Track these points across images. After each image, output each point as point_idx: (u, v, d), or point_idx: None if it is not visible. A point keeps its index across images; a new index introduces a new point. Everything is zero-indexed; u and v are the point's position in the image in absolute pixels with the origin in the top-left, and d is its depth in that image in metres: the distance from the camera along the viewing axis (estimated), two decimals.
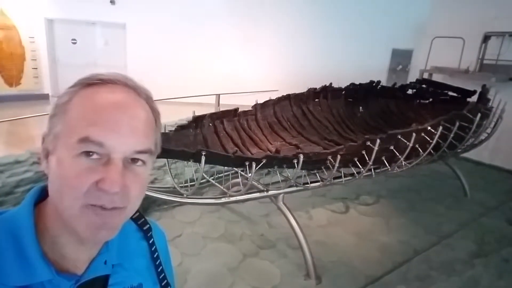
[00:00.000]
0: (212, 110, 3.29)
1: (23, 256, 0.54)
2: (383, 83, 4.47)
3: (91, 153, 0.51)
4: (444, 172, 4.67)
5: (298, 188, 2.72)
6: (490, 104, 3.76)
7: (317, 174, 2.78)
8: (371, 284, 2.64)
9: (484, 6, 5.62)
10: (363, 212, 3.81)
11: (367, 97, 4.32)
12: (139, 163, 0.56)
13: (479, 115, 3.24)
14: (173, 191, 2.56)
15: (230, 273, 2.65)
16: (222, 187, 2.56)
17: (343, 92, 4.16)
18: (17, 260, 0.54)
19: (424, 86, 4.57)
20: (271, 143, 3.20)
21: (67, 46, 8.66)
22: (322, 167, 2.67)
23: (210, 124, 3.02)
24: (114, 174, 0.51)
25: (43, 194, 0.61)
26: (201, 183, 2.55)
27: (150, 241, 0.73)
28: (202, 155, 2.10)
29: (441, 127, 2.94)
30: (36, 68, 8.27)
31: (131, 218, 0.71)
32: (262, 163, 2.28)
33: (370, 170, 2.87)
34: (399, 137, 2.77)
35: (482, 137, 3.95)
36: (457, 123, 3.06)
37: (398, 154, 2.79)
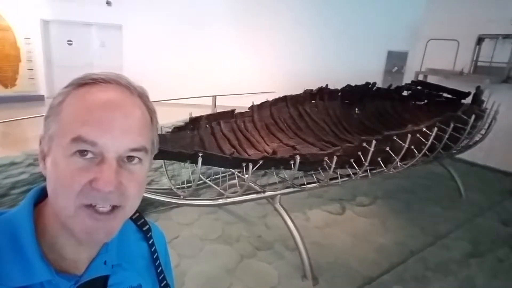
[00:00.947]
0: (209, 112, 3.29)
1: (23, 256, 0.54)
2: (379, 84, 4.50)
3: (85, 153, 0.51)
4: (439, 173, 4.71)
5: (295, 189, 2.73)
6: (484, 105, 3.81)
7: (313, 175, 2.79)
8: (367, 285, 2.65)
9: (478, 9, 5.68)
10: (360, 213, 3.83)
11: (363, 99, 4.35)
12: (135, 161, 0.55)
13: (473, 116, 3.27)
14: (170, 193, 2.56)
15: (228, 275, 2.65)
16: (219, 189, 2.56)
17: (340, 94, 4.18)
18: (17, 261, 0.54)
19: (419, 87, 4.61)
20: (268, 145, 3.21)
21: (63, 47, 8.61)
22: (319, 168, 2.68)
23: (207, 126, 3.02)
24: (108, 173, 0.51)
25: (42, 195, 0.61)
26: (198, 185, 2.56)
27: (150, 242, 0.73)
28: (199, 156, 2.11)
29: (436, 128, 2.97)
30: (32, 70, 8.21)
31: (131, 218, 0.71)
32: (259, 164, 2.29)
33: (366, 171, 2.89)
34: (395, 138, 2.80)
35: (477, 138, 3.99)
36: (452, 124, 3.09)
37: (393, 155, 2.81)
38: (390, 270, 2.85)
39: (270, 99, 3.68)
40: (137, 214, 0.72)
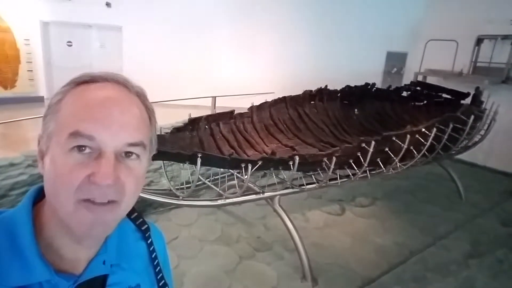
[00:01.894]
0: (208, 113, 3.29)
1: (22, 256, 0.54)
2: (378, 85, 4.50)
3: (83, 148, 0.52)
4: (438, 174, 4.71)
5: (294, 190, 2.73)
6: (483, 106, 3.81)
7: (313, 176, 2.79)
8: (367, 286, 2.65)
9: (477, 10, 5.70)
10: (359, 214, 3.83)
11: (362, 100, 4.35)
12: (133, 156, 0.55)
13: (472, 117, 3.28)
14: (169, 194, 2.55)
15: (227, 276, 2.65)
16: (218, 189, 2.56)
17: (339, 95, 4.19)
18: (16, 260, 0.54)
19: (418, 88, 4.61)
20: (267, 145, 3.21)
21: (62, 48, 8.61)
22: (318, 169, 2.68)
23: (206, 127, 3.02)
24: (106, 167, 0.51)
25: (41, 195, 0.60)
26: (197, 185, 2.56)
27: (149, 242, 0.73)
28: (198, 157, 2.11)
29: (435, 129, 2.97)
30: (31, 71, 8.21)
31: (130, 218, 0.71)
32: (258, 165, 2.29)
33: (365, 172, 2.89)
34: (394, 139, 2.80)
35: (476, 139, 3.99)
36: (451, 125, 3.09)
37: (393, 156, 2.81)
38: (390, 270, 2.85)
39: (269, 100, 3.68)
40: (136, 214, 0.72)
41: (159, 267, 0.73)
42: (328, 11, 8.65)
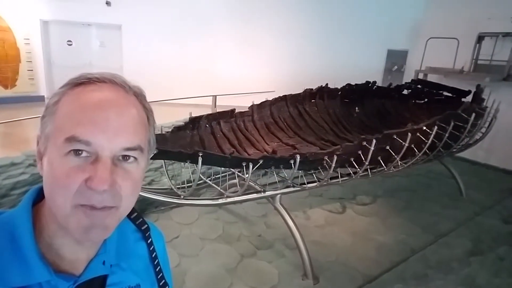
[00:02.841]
0: (209, 111, 3.29)
1: (21, 256, 0.54)
2: (379, 83, 4.49)
3: (79, 152, 0.51)
4: (439, 172, 4.70)
5: (295, 188, 2.73)
6: (484, 104, 3.80)
7: (314, 174, 2.79)
8: (368, 284, 2.65)
9: (478, 7, 5.68)
10: (360, 212, 3.83)
11: (363, 98, 4.35)
12: (130, 160, 0.55)
13: (473, 114, 3.27)
14: (170, 193, 2.56)
15: (228, 274, 2.65)
16: (219, 188, 2.56)
17: (339, 93, 4.18)
18: (15, 261, 0.54)
19: (419, 86, 4.60)
20: (268, 144, 3.21)
21: (62, 47, 8.62)
22: (319, 168, 2.68)
23: (207, 125, 3.02)
24: (102, 172, 0.51)
25: (40, 195, 0.60)
26: (198, 184, 2.56)
27: (148, 242, 0.73)
28: (199, 156, 2.11)
29: (436, 127, 2.97)
30: (32, 70, 8.22)
31: (129, 218, 0.71)
32: (259, 163, 2.29)
33: (366, 170, 2.89)
34: (395, 137, 2.79)
35: (477, 136, 3.98)
36: (452, 123, 3.08)
37: (394, 154, 2.81)
38: (391, 268, 2.85)
39: (270, 98, 3.68)
40: (135, 214, 0.72)
41: (159, 267, 0.73)
42: (329, 9, 8.63)
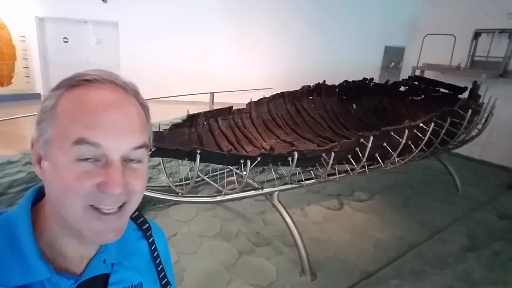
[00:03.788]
0: (207, 109, 3.29)
1: (21, 255, 0.54)
2: (376, 80, 4.51)
3: (89, 156, 0.51)
4: (436, 168, 4.73)
5: (293, 185, 2.74)
6: (481, 100, 3.82)
7: (311, 171, 2.80)
8: (366, 279, 2.67)
9: (475, 3, 5.69)
10: (358, 208, 3.85)
11: (360, 94, 4.36)
12: (137, 158, 0.56)
13: (470, 111, 3.28)
14: (168, 190, 2.56)
15: (227, 271, 2.66)
16: (217, 186, 2.57)
17: (337, 90, 4.19)
18: (16, 260, 0.54)
19: (416, 83, 4.62)
20: (265, 141, 3.22)
21: (58, 45, 8.54)
22: (317, 164, 2.69)
23: (205, 123, 3.02)
24: (116, 176, 0.51)
25: (40, 195, 0.61)
26: (196, 182, 2.56)
27: (150, 240, 0.73)
28: (196, 153, 2.11)
29: (433, 124, 2.98)
30: (28, 68, 8.15)
31: (131, 217, 0.70)
32: (256, 161, 2.29)
33: (363, 166, 2.90)
34: (392, 133, 2.80)
35: (473, 133, 4.01)
36: (449, 119, 3.10)
37: (391, 150, 2.82)
38: (388, 264, 2.87)
39: (267, 95, 3.68)
40: (137, 213, 0.72)
41: (161, 266, 0.73)
42: (325, 6, 8.61)
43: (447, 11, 6.01)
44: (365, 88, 4.38)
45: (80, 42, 8.66)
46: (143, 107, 0.60)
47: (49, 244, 0.57)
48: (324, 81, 4.09)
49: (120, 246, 0.65)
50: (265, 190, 2.66)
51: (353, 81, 4.27)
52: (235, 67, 8.77)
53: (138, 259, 0.70)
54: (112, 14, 8.28)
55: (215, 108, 3.29)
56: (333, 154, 2.51)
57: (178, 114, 3.84)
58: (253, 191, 2.64)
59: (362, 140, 2.65)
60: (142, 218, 0.74)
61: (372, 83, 4.42)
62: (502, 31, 5.36)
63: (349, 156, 2.70)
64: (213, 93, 7.20)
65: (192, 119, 2.90)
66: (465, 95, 3.98)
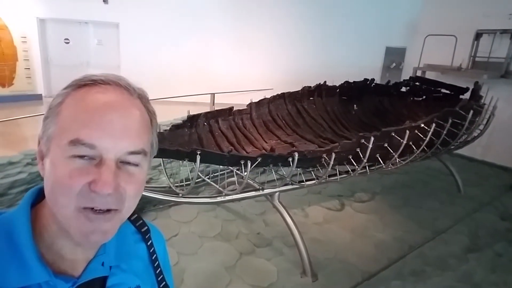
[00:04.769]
0: (207, 109, 3.29)
1: (20, 257, 0.54)
2: (377, 81, 4.50)
3: (83, 155, 0.51)
4: (437, 169, 4.72)
5: (294, 186, 2.74)
6: (482, 101, 3.81)
7: (312, 172, 2.80)
8: (367, 280, 2.66)
9: (476, 4, 5.68)
10: (359, 209, 3.84)
11: (361, 95, 4.35)
12: (134, 163, 0.55)
13: (471, 112, 3.28)
14: (168, 191, 2.56)
15: (227, 272, 2.66)
16: (217, 186, 2.57)
17: (338, 90, 4.18)
18: (14, 262, 0.54)
19: (417, 83, 4.61)
20: (266, 142, 3.21)
21: (60, 46, 8.57)
22: (317, 165, 2.68)
23: (205, 124, 3.02)
24: (106, 176, 0.51)
25: (40, 196, 0.60)
26: (196, 182, 2.56)
27: (148, 243, 0.73)
28: (197, 154, 2.10)
29: (434, 124, 2.97)
30: (29, 68, 8.17)
31: (129, 220, 0.70)
32: (257, 161, 2.29)
33: (364, 167, 2.89)
34: (393, 134, 2.80)
35: (475, 133, 3.99)
36: (450, 120, 3.09)
37: (392, 151, 2.82)
38: (389, 265, 2.86)
39: (268, 96, 3.68)
40: (136, 216, 0.72)
41: (159, 269, 0.73)
42: (326, 7, 8.61)
43: (448, 11, 6.00)
44: (366, 88, 4.37)
45: (81, 43, 8.68)
46: (149, 112, 0.59)
47: (48, 246, 0.57)
48: (325, 81, 4.08)
49: (119, 248, 0.65)
50: (266, 191, 2.65)
51: (354, 81, 4.26)
52: (236, 68, 8.77)
53: (136, 262, 0.69)
54: (113, 15, 8.30)
55: (216, 108, 3.29)
56: (333, 154, 2.50)
57: (178, 114, 3.84)
58: (253, 192, 2.64)
59: (363, 140, 2.64)
60: (141, 221, 0.73)
61: (373, 84, 4.42)
62: (503, 31, 5.35)
63: (350, 157, 2.70)
64: (213, 94, 7.21)
65: (192, 119, 2.90)
66: (467, 95, 3.97)
